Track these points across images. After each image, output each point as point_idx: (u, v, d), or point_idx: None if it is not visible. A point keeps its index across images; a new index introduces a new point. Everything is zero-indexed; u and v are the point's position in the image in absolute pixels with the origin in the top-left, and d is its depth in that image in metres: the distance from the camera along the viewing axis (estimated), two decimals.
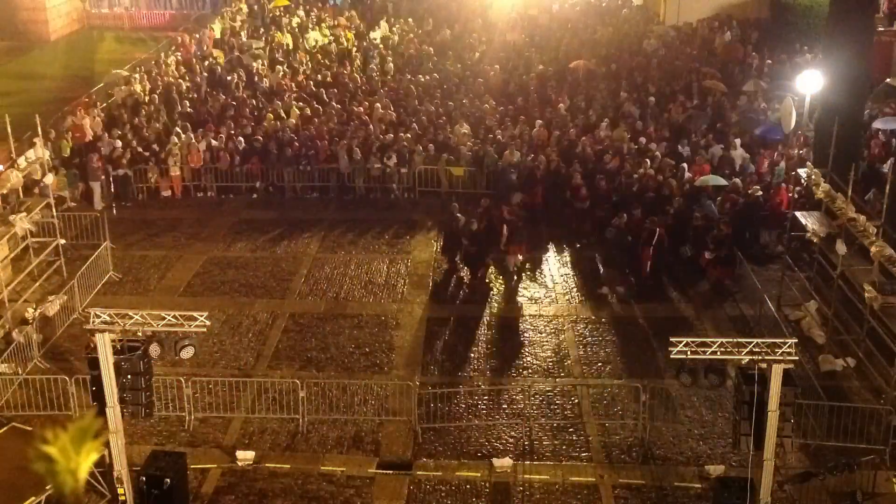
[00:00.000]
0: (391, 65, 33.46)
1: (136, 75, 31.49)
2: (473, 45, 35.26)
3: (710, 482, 14.48)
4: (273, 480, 14.91)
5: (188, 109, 29.00)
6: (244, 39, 36.70)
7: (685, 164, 24.20)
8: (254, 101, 29.90)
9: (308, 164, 25.64)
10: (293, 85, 31.25)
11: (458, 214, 21.92)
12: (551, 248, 22.98)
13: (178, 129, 26.76)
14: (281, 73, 32.32)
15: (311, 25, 38.00)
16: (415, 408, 16.11)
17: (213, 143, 26.24)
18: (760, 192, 22.53)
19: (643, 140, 25.70)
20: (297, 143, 26.01)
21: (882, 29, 31.10)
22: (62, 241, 21.17)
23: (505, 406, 16.83)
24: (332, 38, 36.69)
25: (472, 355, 18.47)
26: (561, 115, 27.71)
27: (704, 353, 12.47)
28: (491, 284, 21.29)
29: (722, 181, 23.14)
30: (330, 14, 39.94)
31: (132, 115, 28.42)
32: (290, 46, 35.85)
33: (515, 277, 21.57)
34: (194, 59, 34.22)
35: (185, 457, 14.25)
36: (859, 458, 14.69)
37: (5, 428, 15.88)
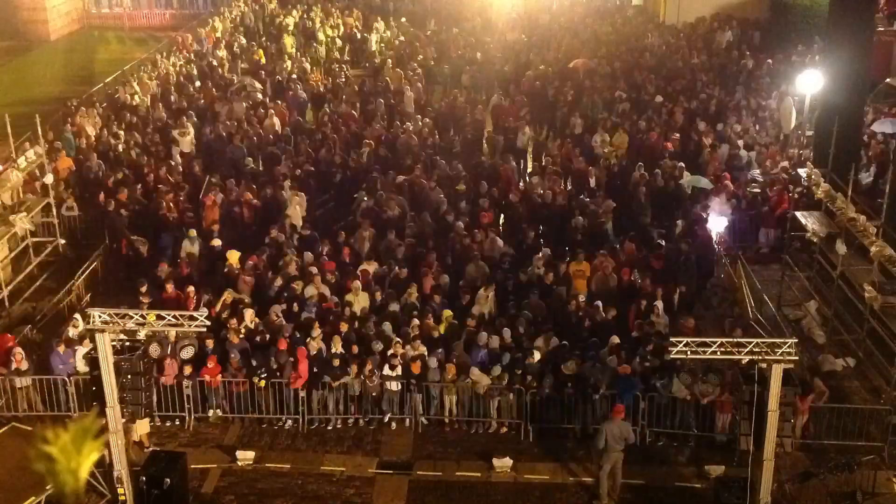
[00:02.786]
0: (389, 64, 33.42)
1: (135, 76, 31.45)
2: (474, 46, 35.18)
3: (710, 482, 14.48)
4: (273, 480, 14.90)
5: (189, 108, 28.93)
6: (244, 40, 36.67)
7: (682, 164, 24.09)
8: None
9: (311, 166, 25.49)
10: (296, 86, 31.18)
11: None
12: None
13: (175, 134, 26.69)
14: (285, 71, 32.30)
15: (313, 24, 37.95)
16: (415, 407, 16.11)
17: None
18: (759, 191, 22.46)
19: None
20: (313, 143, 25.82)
21: (882, 29, 31.08)
22: (62, 241, 21.15)
23: (504, 406, 16.79)
24: (332, 37, 36.68)
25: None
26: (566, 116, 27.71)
27: (704, 353, 12.47)
28: None
29: (706, 183, 22.90)
30: (336, 11, 39.86)
31: (131, 116, 28.34)
32: (292, 46, 35.81)
33: None
34: (194, 59, 34.17)
35: (185, 457, 14.24)
36: (859, 457, 14.67)
37: (5, 428, 15.88)
